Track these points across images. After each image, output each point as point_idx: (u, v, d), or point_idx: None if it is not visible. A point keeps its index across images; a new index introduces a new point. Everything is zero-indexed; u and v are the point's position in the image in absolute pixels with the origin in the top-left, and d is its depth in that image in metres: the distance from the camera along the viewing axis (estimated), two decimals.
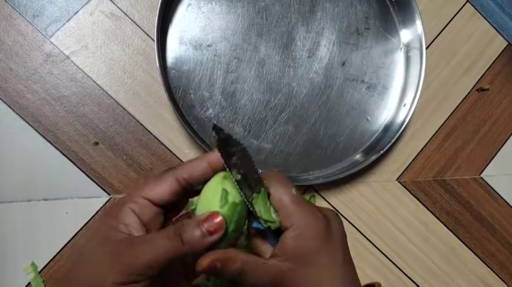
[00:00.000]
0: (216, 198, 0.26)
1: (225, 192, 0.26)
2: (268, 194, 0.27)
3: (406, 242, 0.50)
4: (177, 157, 0.47)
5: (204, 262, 0.25)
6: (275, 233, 0.27)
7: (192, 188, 0.28)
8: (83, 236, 0.44)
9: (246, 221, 0.28)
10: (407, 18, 0.51)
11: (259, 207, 0.26)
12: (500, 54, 0.55)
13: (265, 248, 0.28)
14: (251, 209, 0.27)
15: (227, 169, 0.26)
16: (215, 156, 0.28)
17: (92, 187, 0.45)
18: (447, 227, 0.52)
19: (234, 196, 0.27)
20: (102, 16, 0.47)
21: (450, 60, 0.54)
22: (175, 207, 0.29)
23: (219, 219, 0.25)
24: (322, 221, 0.26)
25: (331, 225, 0.27)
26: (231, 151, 0.26)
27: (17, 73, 0.45)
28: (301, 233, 0.26)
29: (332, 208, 0.49)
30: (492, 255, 0.52)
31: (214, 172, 0.28)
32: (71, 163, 0.45)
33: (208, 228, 0.25)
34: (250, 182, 0.27)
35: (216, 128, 0.26)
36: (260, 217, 0.26)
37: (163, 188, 0.27)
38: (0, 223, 0.43)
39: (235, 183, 0.26)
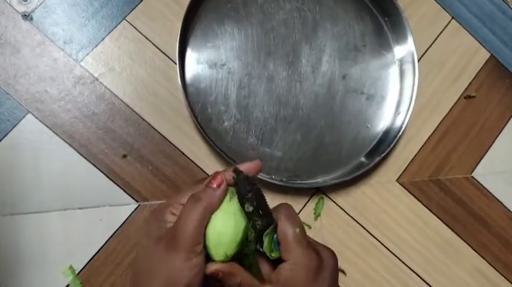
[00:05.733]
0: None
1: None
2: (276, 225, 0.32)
3: (407, 237, 0.55)
4: (197, 165, 0.51)
5: (211, 268, 0.31)
6: (274, 260, 0.32)
7: None
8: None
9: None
10: (400, 36, 0.57)
11: (266, 240, 0.32)
12: (484, 64, 0.61)
13: (265, 268, 0.33)
14: (256, 239, 0.32)
15: (240, 203, 0.32)
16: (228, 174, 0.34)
17: (122, 195, 0.50)
18: (443, 222, 0.57)
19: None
20: (126, 41, 0.52)
21: (440, 71, 0.60)
22: None
23: (218, 177, 0.32)
24: (316, 262, 0.31)
25: (324, 266, 0.32)
26: (247, 188, 0.32)
27: (52, 95, 0.50)
28: (295, 268, 0.31)
29: (339, 208, 0.54)
30: (485, 246, 0.57)
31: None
32: (103, 174, 0.49)
33: (214, 184, 0.32)
34: (261, 213, 0.32)
35: (236, 171, 0.33)
36: (264, 249, 0.32)
37: None
38: (42, 230, 0.47)
39: (246, 214, 0.32)
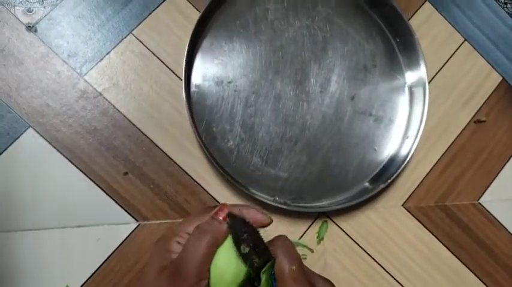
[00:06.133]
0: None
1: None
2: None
3: (411, 263, 0.54)
4: (200, 185, 0.50)
5: None
6: None
7: None
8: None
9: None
10: (411, 60, 0.55)
11: (263, 277, 0.30)
12: (495, 88, 0.59)
13: None
14: (254, 277, 0.31)
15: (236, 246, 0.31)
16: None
17: (122, 214, 0.48)
18: (449, 249, 0.56)
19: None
20: (131, 56, 0.51)
21: (450, 94, 0.58)
22: None
23: (226, 210, 0.32)
24: None
25: None
26: (243, 230, 0.31)
27: (54, 109, 0.49)
28: None
29: (343, 232, 0.53)
30: (490, 275, 0.56)
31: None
32: (103, 192, 0.48)
33: (221, 216, 0.32)
34: (257, 251, 0.31)
35: (231, 216, 0.32)
36: (262, 286, 0.31)
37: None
38: (38, 248, 0.46)
39: (241, 255, 0.31)
